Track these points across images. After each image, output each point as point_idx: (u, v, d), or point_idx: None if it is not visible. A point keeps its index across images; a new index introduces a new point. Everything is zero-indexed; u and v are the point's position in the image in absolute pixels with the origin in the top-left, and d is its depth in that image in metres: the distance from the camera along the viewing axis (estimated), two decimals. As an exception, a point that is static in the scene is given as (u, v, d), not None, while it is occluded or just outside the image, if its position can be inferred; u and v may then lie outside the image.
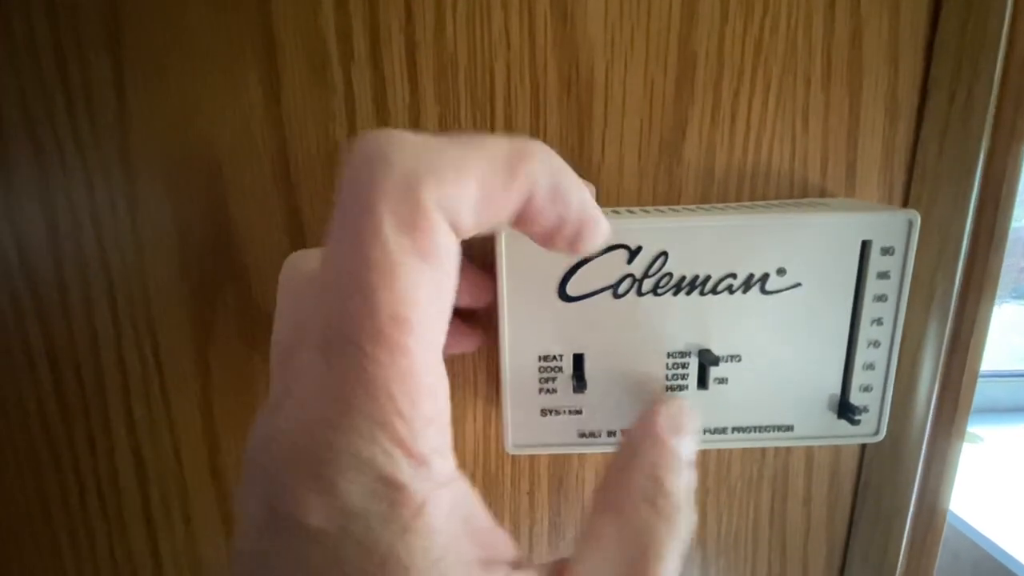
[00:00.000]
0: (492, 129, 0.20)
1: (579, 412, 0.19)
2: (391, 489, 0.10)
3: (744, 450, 0.24)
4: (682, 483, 0.14)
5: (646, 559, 0.13)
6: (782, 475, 0.24)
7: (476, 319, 0.21)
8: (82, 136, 0.20)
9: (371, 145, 0.11)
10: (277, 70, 0.20)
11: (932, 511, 0.24)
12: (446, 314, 0.12)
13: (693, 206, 0.20)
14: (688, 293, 0.18)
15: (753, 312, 0.18)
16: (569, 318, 0.18)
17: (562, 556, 0.13)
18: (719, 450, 0.24)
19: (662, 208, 0.20)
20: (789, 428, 0.19)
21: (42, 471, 0.24)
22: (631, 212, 0.19)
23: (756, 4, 0.19)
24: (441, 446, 0.11)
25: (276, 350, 0.14)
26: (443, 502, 0.11)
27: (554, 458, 0.23)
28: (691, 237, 0.17)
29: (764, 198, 0.21)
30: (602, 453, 0.23)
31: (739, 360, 0.18)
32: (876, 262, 0.17)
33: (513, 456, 0.23)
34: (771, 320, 0.18)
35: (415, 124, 0.20)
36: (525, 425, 0.19)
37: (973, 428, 0.22)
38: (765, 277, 0.17)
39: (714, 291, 0.18)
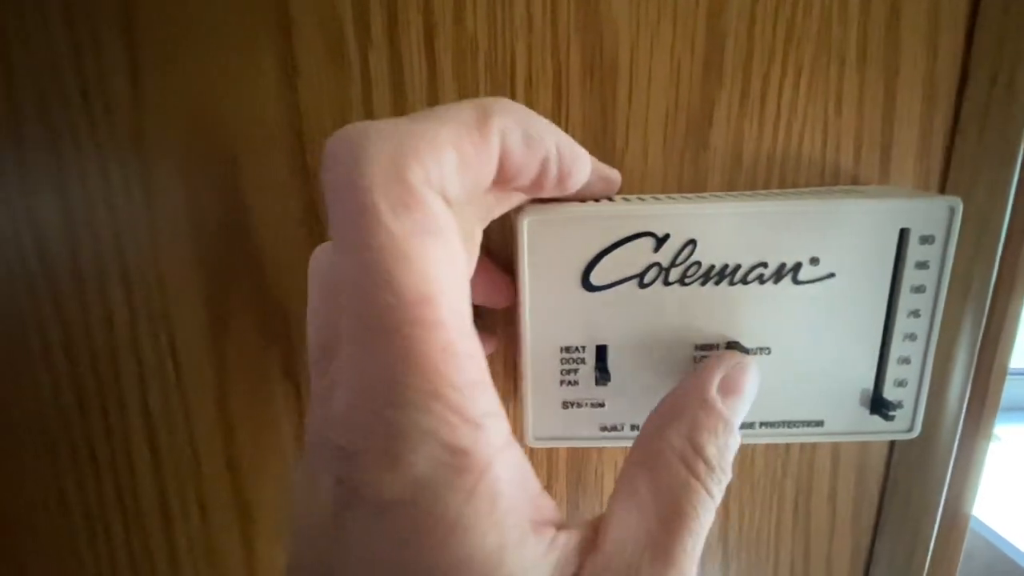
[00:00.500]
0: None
1: (601, 405, 0.18)
2: (456, 455, 0.11)
3: (768, 446, 0.23)
4: (723, 449, 0.14)
5: (678, 521, 0.13)
6: (807, 471, 0.23)
7: (492, 322, 0.20)
8: (96, 121, 0.20)
9: (346, 142, 0.11)
10: (293, 54, 0.19)
11: (956, 511, 0.23)
12: (465, 280, 0.12)
13: (721, 193, 0.20)
14: (717, 283, 0.17)
15: (784, 303, 0.17)
16: (592, 308, 0.17)
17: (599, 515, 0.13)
18: (742, 446, 0.23)
19: (689, 195, 0.19)
20: (819, 423, 0.18)
21: (58, 460, 0.24)
22: (657, 199, 0.18)
23: (789, -18, 0.18)
24: (493, 409, 0.12)
25: (314, 348, 0.14)
26: (505, 465, 0.11)
27: (572, 452, 0.23)
28: (721, 224, 0.16)
29: (794, 185, 0.20)
30: (622, 448, 0.23)
31: (769, 353, 0.18)
32: (915, 251, 0.17)
33: (532, 450, 0.23)
34: (803, 311, 0.17)
35: (433, 109, 0.20)
36: (546, 417, 0.18)
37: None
38: (797, 266, 0.17)
39: (744, 281, 0.17)
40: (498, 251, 0.20)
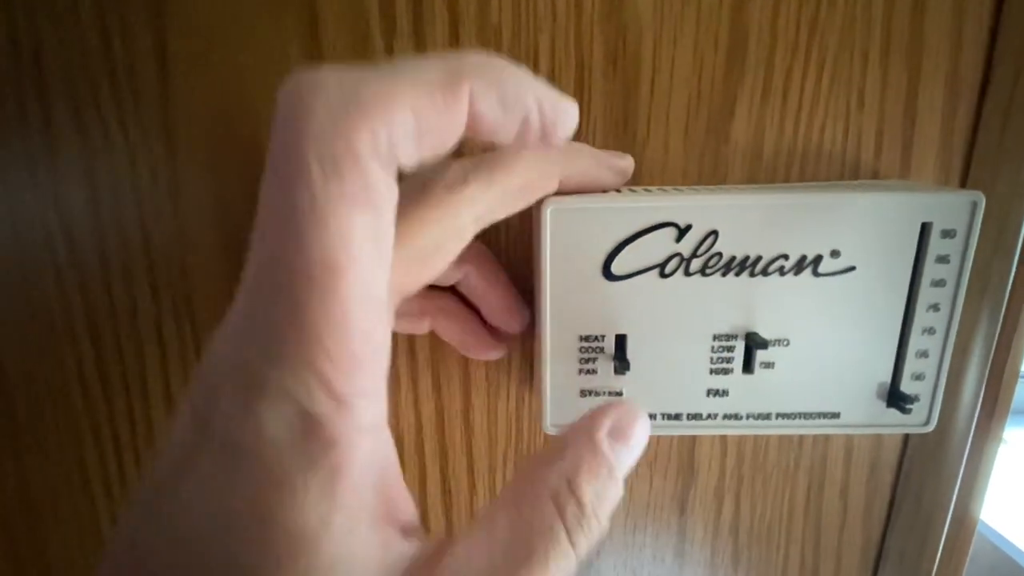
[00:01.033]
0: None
1: (619, 394, 0.18)
2: (307, 422, 0.11)
3: (781, 438, 0.23)
4: (601, 495, 0.13)
5: (525, 564, 0.12)
6: (820, 464, 0.23)
7: (505, 333, 0.21)
8: (125, 111, 0.20)
9: (294, 88, 0.11)
10: (319, 44, 0.20)
11: (966, 510, 0.23)
12: (385, 257, 0.11)
13: (742, 185, 0.20)
14: (737, 274, 0.17)
15: (804, 295, 0.17)
16: (613, 297, 0.17)
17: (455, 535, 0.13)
18: (756, 438, 0.23)
19: (710, 187, 0.19)
20: (836, 415, 0.18)
21: (82, 443, 0.24)
22: (679, 190, 0.18)
23: (814, -25, 0.18)
24: (369, 391, 0.11)
25: None
26: (359, 447, 0.11)
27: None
28: (743, 216, 0.17)
29: (814, 179, 0.20)
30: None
31: (787, 344, 0.18)
32: (936, 245, 0.17)
33: (545, 437, 0.23)
34: (822, 304, 0.17)
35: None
36: (564, 405, 0.19)
37: None
38: (818, 259, 0.17)
39: (764, 272, 0.17)
40: (519, 241, 0.20)
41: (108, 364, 0.23)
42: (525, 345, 0.22)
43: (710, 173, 0.20)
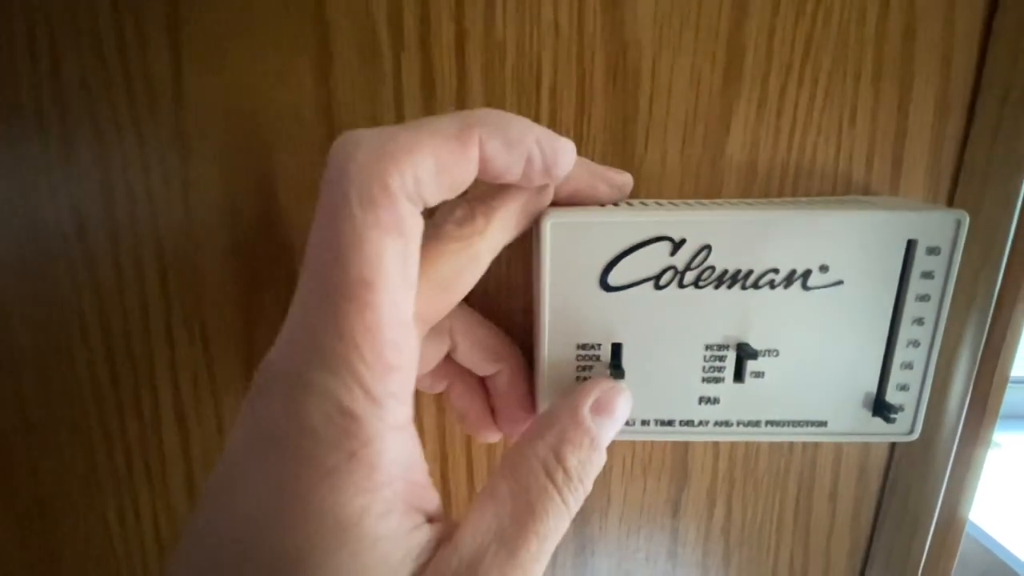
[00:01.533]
0: (537, 119, 0.20)
1: (614, 400, 0.19)
2: (346, 418, 0.12)
3: (772, 444, 0.24)
4: (585, 462, 0.15)
5: (529, 520, 0.14)
6: (809, 470, 0.24)
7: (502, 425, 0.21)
8: (140, 116, 0.21)
9: (340, 143, 0.13)
10: (329, 54, 0.20)
11: (953, 514, 0.24)
12: (412, 279, 0.14)
13: (735, 200, 0.20)
14: (729, 287, 0.18)
15: (793, 308, 0.18)
16: (609, 308, 0.18)
17: None
18: (747, 444, 0.24)
19: (704, 201, 0.20)
20: (823, 424, 0.19)
21: (92, 439, 0.25)
22: (674, 204, 0.19)
23: (809, -3, 0.19)
24: (400, 393, 0.13)
25: None
26: (392, 443, 0.13)
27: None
28: (736, 231, 0.17)
29: (807, 194, 0.21)
30: (630, 441, 0.24)
31: (777, 355, 0.18)
32: (921, 262, 0.17)
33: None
34: (811, 316, 0.18)
35: (461, 112, 0.20)
36: (561, 410, 0.19)
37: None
38: (807, 273, 0.18)
39: (755, 286, 0.18)
40: (519, 252, 0.21)
41: (119, 363, 0.24)
42: (524, 351, 0.23)
43: (706, 187, 0.21)
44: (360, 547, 0.12)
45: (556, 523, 0.14)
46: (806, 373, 0.18)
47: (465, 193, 0.16)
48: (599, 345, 0.18)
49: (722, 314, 0.18)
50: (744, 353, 0.18)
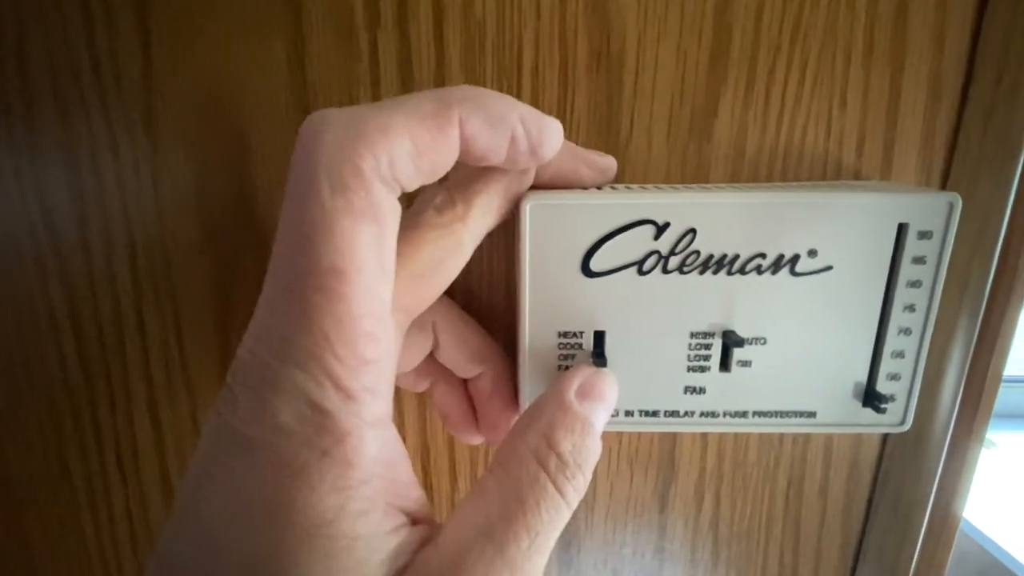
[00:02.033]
0: (519, 100, 0.20)
1: (598, 390, 0.19)
2: (317, 414, 0.12)
3: (761, 437, 0.23)
4: (579, 447, 0.14)
5: (518, 513, 0.13)
6: (799, 463, 0.24)
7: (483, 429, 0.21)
8: (108, 100, 0.20)
9: (309, 124, 0.12)
10: (302, 35, 0.19)
11: (947, 511, 0.23)
12: (388, 268, 0.13)
13: (723, 184, 0.20)
14: (715, 272, 0.17)
15: (781, 294, 0.17)
16: (591, 294, 0.17)
17: None
18: (736, 436, 0.23)
19: (691, 185, 0.19)
20: (812, 414, 0.19)
21: (63, 431, 0.24)
22: (659, 188, 0.18)
23: (797, -25, 0.18)
24: (375, 387, 0.12)
25: None
26: (368, 439, 0.12)
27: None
28: (722, 214, 0.17)
29: (796, 179, 0.20)
30: (617, 432, 0.23)
31: (764, 343, 0.18)
32: (912, 246, 0.17)
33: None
34: (799, 303, 0.17)
35: (440, 94, 0.20)
36: (543, 401, 0.19)
37: (988, 433, 0.21)
38: (796, 258, 0.17)
39: (742, 271, 0.17)
40: (501, 237, 0.21)
41: (90, 354, 0.23)
42: (509, 341, 0.22)
43: (692, 172, 0.20)
44: (334, 547, 0.11)
45: (551, 515, 0.13)
46: (794, 362, 0.18)
47: (444, 179, 0.15)
48: (581, 333, 0.18)
49: (708, 300, 0.17)
50: (730, 341, 0.17)
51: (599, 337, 0.18)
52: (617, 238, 0.17)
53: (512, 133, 0.14)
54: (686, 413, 0.19)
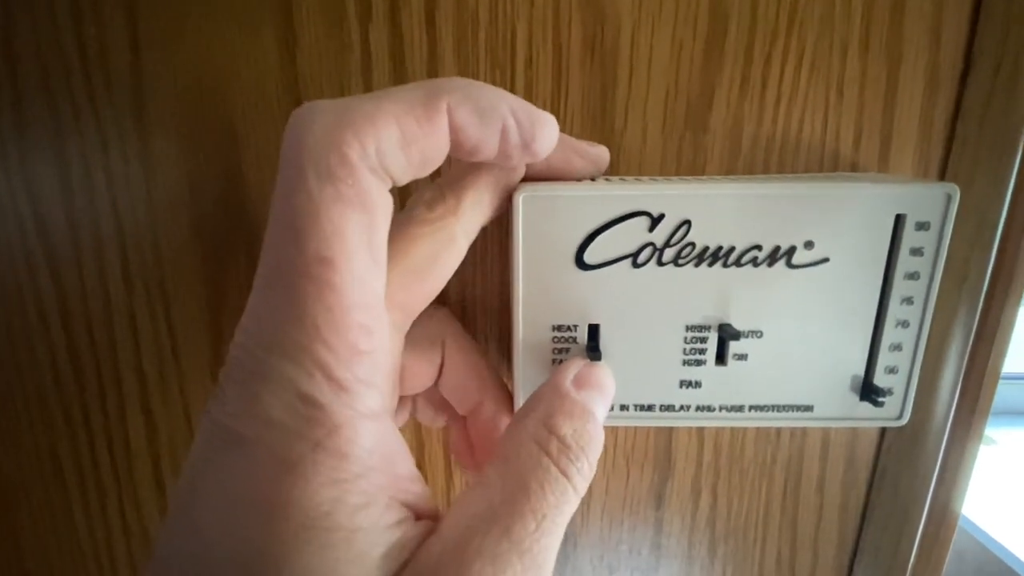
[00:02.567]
0: (513, 91, 0.19)
1: (592, 385, 0.18)
2: (309, 406, 0.11)
3: (758, 432, 0.23)
4: (580, 431, 0.14)
5: (523, 497, 0.12)
6: (796, 459, 0.23)
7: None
8: (97, 94, 0.20)
9: (297, 116, 0.12)
10: (294, 28, 0.19)
11: (945, 507, 0.23)
12: (379, 257, 0.13)
13: (718, 176, 0.20)
14: (711, 264, 0.17)
15: (778, 286, 0.17)
16: (586, 287, 0.17)
17: None
18: (732, 432, 0.23)
19: (686, 177, 0.19)
20: (808, 408, 0.18)
21: (54, 429, 0.24)
22: (653, 180, 0.18)
23: (793, -36, 0.18)
24: (369, 379, 0.12)
25: None
26: (363, 431, 0.12)
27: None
28: (717, 206, 0.16)
29: (792, 171, 0.20)
30: (612, 427, 0.23)
31: (760, 336, 0.18)
32: (910, 237, 0.17)
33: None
34: (796, 295, 0.17)
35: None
36: (537, 396, 0.18)
37: (987, 430, 0.21)
38: (792, 250, 0.17)
39: (738, 263, 0.17)
40: (494, 230, 0.20)
41: (80, 351, 0.23)
42: (503, 334, 0.22)
43: (688, 164, 0.20)
44: (331, 540, 0.11)
45: (556, 498, 0.13)
46: (791, 355, 0.18)
47: (436, 175, 0.15)
48: (575, 327, 0.18)
49: (703, 293, 0.17)
50: (726, 334, 0.17)
51: (594, 330, 0.18)
52: (611, 230, 0.17)
53: (503, 124, 0.13)
54: (682, 407, 0.18)
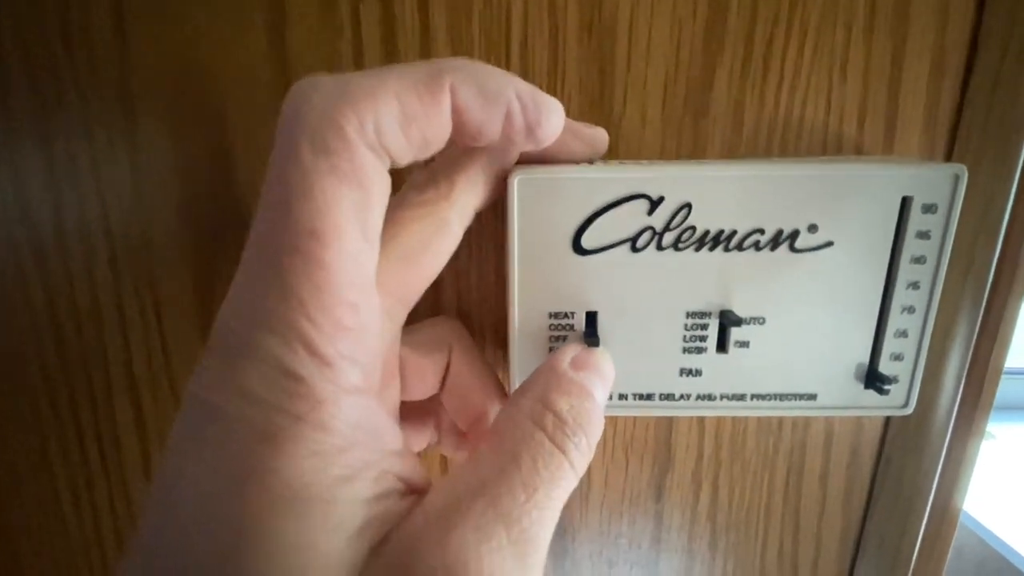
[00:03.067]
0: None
1: (591, 373, 0.18)
2: (291, 380, 0.11)
3: (760, 422, 0.23)
4: (578, 408, 0.13)
5: (514, 470, 0.12)
6: (799, 449, 0.23)
7: (429, 414, 0.19)
8: (81, 78, 0.20)
9: (295, 89, 0.12)
10: (283, 9, 0.19)
11: (948, 499, 0.23)
12: (372, 235, 0.12)
13: (719, 160, 0.19)
14: (711, 249, 0.16)
15: (780, 271, 0.17)
16: (583, 273, 0.17)
17: None
18: (734, 422, 0.23)
19: (686, 159, 0.19)
20: (812, 397, 0.18)
21: (42, 423, 0.23)
22: (653, 163, 0.17)
23: (796, -59, 0.18)
24: (355, 356, 0.12)
25: None
26: (346, 406, 0.12)
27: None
28: (718, 188, 0.16)
29: (795, 154, 0.19)
30: (611, 417, 0.23)
31: (762, 322, 0.17)
32: (916, 220, 0.16)
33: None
34: (799, 280, 0.17)
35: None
36: (534, 385, 0.18)
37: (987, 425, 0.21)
38: (795, 234, 0.16)
39: (739, 247, 0.16)
40: (490, 215, 0.20)
41: (68, 343, 0.22)
42: (499, 323, 0.22)
43: (689, 148, 0.19)
44: (309, 510, 0.11)
45: (551, 473, 0.12)
46: (794, 342, 0.17)
47: (430, 161, 0.15)
48: (572, 313, 0.17)
49: (704, 278, 0.17)
50: (727, 321, 0.17)
51: (591, 317, 0.17)
52: (609, 214, 0.16)
53: (508, 108, 0.13)
54: (682, 396, 0.18)
